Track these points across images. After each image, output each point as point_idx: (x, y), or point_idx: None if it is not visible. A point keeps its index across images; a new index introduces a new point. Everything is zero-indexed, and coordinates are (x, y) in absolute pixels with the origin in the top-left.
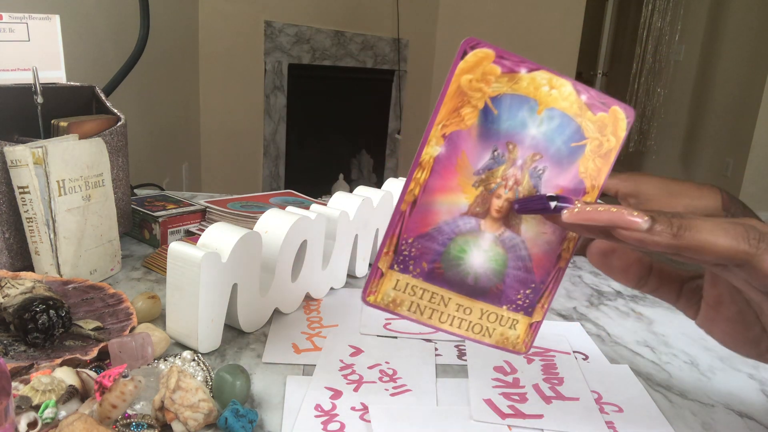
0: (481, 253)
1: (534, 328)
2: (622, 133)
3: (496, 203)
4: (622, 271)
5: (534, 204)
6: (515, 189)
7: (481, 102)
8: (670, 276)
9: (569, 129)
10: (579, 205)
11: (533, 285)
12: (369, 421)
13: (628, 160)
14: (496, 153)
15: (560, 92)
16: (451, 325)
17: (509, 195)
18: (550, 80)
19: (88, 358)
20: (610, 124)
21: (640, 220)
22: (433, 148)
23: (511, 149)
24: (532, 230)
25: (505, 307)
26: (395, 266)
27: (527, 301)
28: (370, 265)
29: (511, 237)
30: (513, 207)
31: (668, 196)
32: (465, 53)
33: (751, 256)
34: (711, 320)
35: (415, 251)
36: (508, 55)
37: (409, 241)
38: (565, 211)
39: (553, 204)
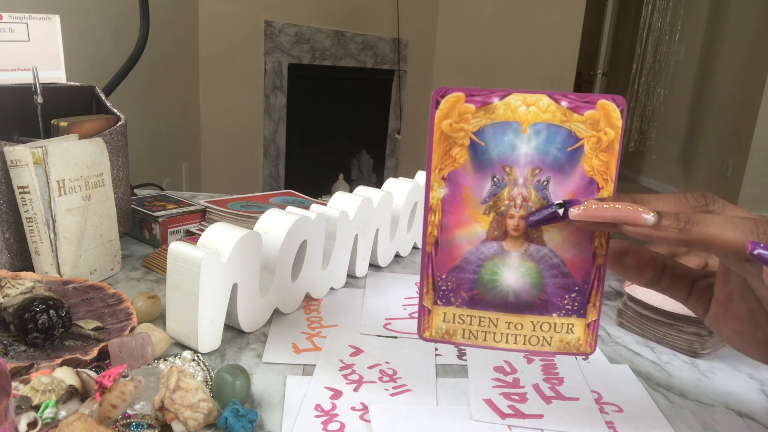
0: (512, 272)
1: (592, 327)
2: (618, 123)
3: (511, 223)
4: (636, 270)
5: (544, 215)
6: (525, 205)
7: (466, 139)
8: (683, 274)
9: (560, 136)
10: (585, 203)
11: (576, 288)
12: (369, 421)
13: (628, 160)
14: (495, 179)
15: (538, 107)
16: (507, 342)
17: (521, 212)
18: (524, 99)
19: (88, 358)
20: (603, 118)
21: (647, 216)
22: (437, 192)
23: (509, 171)
24: (556, 238)
25: (555, 314)
26: (438, 301)
27: (576, 304)
28: (370, 264)
29: (537, 249)
30: (527, 224)
31: None
32: (438, 102)
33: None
34: (721, 318)
35: (452, 284)
36: (477, 91)
37: (443, 276)
38: (572, 209)
39: (561, 210)
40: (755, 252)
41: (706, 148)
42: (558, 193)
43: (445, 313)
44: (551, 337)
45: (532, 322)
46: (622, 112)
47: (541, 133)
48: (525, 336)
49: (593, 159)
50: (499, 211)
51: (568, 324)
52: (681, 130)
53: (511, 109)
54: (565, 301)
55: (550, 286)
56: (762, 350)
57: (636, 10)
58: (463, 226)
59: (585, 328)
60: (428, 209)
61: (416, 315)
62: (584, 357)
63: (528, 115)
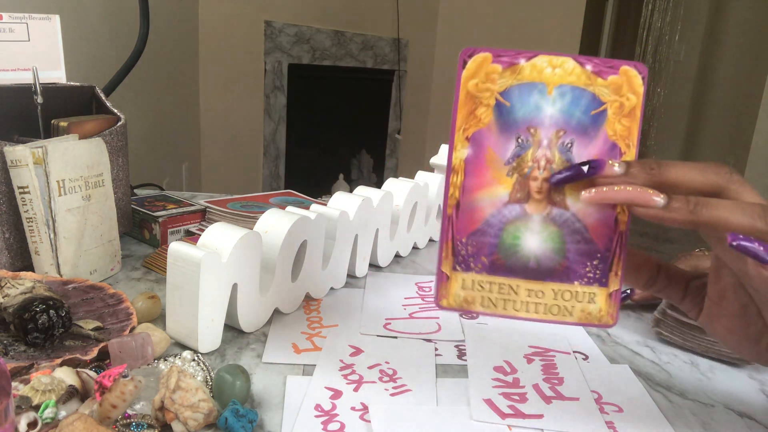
0: (534, 236)
1: (614, 297)
2: (640, 89)
3: (534, 185)
4: (632, 272)
5: (568, 173)
6: (549, 167)
7: (492, 99)
8: (677, 276)
9: (585, 99)
10: (595, 189)
11: (599, 255)
12: (369, 421)
13: None
14: (520, 140)
15: (564, 69)
16: (527, 311)
17: (545, 174)
18: (550, 61)
19: (88, 358)
20: (625, 83)
21: (657, 199)
22: (461, 152)
23: (533, 132)
24: (579, 202)
25: (576, 282)
26: (457, 267)
27: (598, 272)
28: (370, 265)
29: (560, 213)
30: (550, 182)
31: None
32: (465, 62)
33: (766, 234)
34: (714, 317)
35: (472, 248)
36: (504, 51)
37: (463, 240)
38: (584, 192)
39: (585, 168)
40: (734, 243)
41: (706, 148)
42: (582, 155)
43: (464, 279)
44: (573, 307)
45: (553, 290)
46: (644, 79)
47: (566, 95)
48: (546, 305)
49: (616, 124)
50: (522, 173)
51: (590, 293)
52: (681, 130)
53: (537, 71)
54: (587, 269)
55: (572, 252)
56: (754, 347)
57: (636, 10)
58: (486, 187)
59: (607, 298)
60: (450, 170)
61: (416, 315)
62: (606, 328)
63: (554, 77)
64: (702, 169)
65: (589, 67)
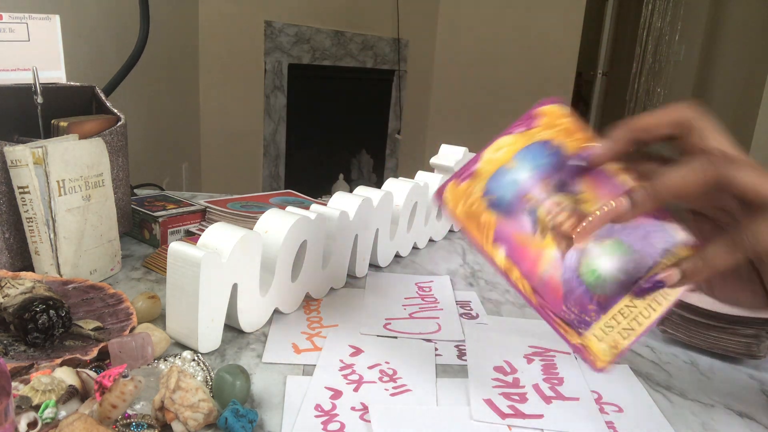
0: (603, 258)
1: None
2: (564, 110)
3: (565, 227)
4: None
5: (649, 283)
6: (562, 207)
7: (482, 204)
8: None
9: (538, 149)
10: (580, 228)
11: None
12: (369, 421)
13: None
14: (527, 210)
15: (507, 145)
16: (653, 310)
17: (564, 215)
18: (493, 149)
19: (88, 358)
20: (551, 116)
21: (622, 204)
22: (499, 255)
23: (530, 198)
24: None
25: (653, 266)
26: (580, 330)
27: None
28: (370, 264)
29: (604, 230)
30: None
31: None
32: (443, 201)
33: (716, 176)
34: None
35: (575, 308)
36: (460, 171)
37: (564, 309)
38: (575, 236)
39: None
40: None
41: None
42: (573, 175)
43: (594, 335)
44: (665, 291)
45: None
46: (557, 102)
47: (525, 157)
48: (654, 299)
49: (572, 142)
50: (547, 228)
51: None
52: None
53: (491, 162)
54: (655, 249)
55: (636, 243)
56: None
57: (636, 10)
58: (539, 261)
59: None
60: (503, 273)
61: (416, 315)
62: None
63: (506, 155)
64: (668, 119)
65: (521, 129)
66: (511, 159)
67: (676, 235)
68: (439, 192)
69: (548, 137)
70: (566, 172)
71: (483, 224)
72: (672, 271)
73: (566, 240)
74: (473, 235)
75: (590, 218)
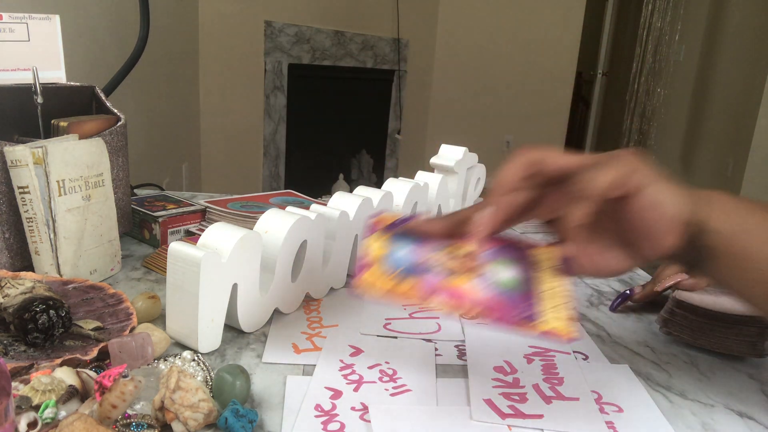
0: (500, 272)
1: None
2: (396, 213)
3: (464, 264)
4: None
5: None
6: (453, 254)
7: (398, 280)
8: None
9: (402, 234)
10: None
11: None
12: (369, 421)
13: None
14: (430, 266)
15: (375, 242)
16: (559, 280)
17: (455, 259)
18: (369, 246)
19: (88, 358)
20: (383, 220)
21: (487, 208)
22: (439, 301)
23: (425, 259)
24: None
25: None
26: (536, 321)
27: None
28: None
29: (484, 257)
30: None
31: None
32: (361, 293)
33: (528, 162)
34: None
35: (520, 308)
36: (359, 267)
37: (514, 313)
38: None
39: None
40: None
41: (706, 148)
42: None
43: (548, 320)
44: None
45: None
46: (383, 214)
47: (397, 241)
48: (550, 272)
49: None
50: (455, 269)
51: None
52: (681, 130)
53: (376, 252)
54: (525, 255)
55: (509, 255)
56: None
57: (636, 10)
58: (470, 292)
59: None
60: (452, 311)
61: (416, 315)
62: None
63: (383, 246)
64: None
65: (372, 232)
66: (389, 245)
67: (533, 240)
68: (358, 286)
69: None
70: (435, 240)
71: (409, 291)
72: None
73: (471, 271)
74: (407, 301)
75: (479, 225)
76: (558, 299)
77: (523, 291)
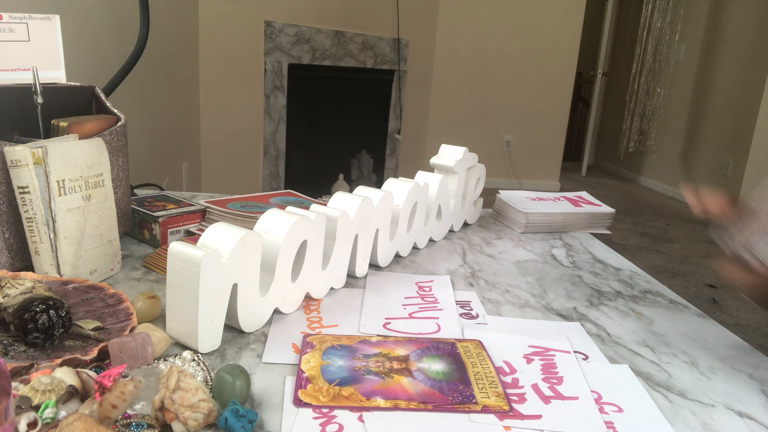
0: (432, 365)
1: None
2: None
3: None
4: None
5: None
6: (387, 357)
7: (337, 390)
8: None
9: (332, 349)
10: None
11: None
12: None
13: (628, 161)
14: (365, 372)
15: (309, 359)
16: (485, 360)
17: (394, 361)
18: (305, 363)
19: (88, 358)
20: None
21: None
22: (379, 402)
23: (358, 367)
24: None
25: None
26: (473, 402)
27: None
28: (370, 264)
29: (416, 355)
30: None
31: None
32: (302, 406)
33: None
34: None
35: (454, 394)
36: (297, 383)
37: (450, 399)
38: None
39: None
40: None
41: (706, 148)
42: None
43: (483, 398)
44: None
45: None
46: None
47: (329, 356)
48: (474, 355)
49: (347, 340)
50: (388, 372)
51: None
52: (681, 130)
53: (312, 369)
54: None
55: (435, 351)
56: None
57: (636, 10)
58: (406, 388)
59: None
60: (394, 408)
61: (416, 315)
62: None
63: (317, 361)
64: None
65: (307, 350)
66: (322, 360)
67: (453, 338)
68: (297, 402)
69: (330, 344)
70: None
71: (349, 397)
72: None
73: (403, 372)
74: (348, 406)
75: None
76: (485, 380)
77: (455, 378)
